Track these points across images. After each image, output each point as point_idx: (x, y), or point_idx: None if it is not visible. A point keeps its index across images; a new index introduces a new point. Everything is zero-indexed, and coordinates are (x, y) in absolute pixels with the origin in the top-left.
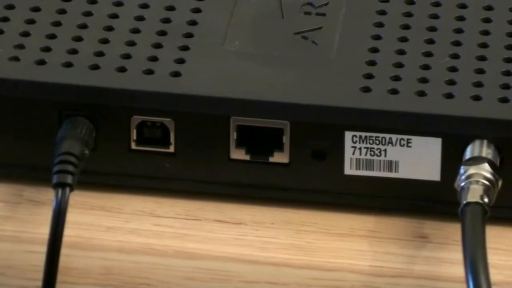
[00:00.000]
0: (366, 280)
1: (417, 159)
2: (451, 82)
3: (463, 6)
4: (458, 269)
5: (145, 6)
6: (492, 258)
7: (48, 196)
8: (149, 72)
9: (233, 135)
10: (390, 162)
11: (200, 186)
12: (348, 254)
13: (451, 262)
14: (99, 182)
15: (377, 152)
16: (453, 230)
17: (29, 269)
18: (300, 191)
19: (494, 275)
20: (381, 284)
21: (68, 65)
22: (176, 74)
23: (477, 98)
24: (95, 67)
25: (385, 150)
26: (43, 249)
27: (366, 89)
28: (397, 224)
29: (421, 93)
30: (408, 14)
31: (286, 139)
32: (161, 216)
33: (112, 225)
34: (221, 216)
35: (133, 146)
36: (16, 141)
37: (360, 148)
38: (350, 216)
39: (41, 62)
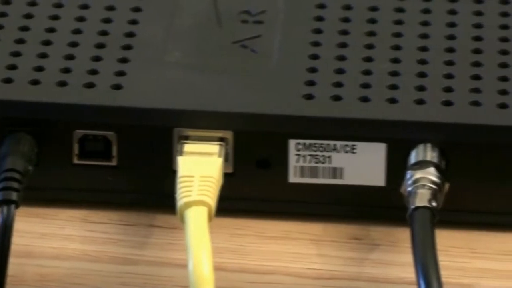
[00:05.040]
0: (301, 282)
1: (362, 165)
2: (394, 87)
3: (400, 10)
4: (402, 272)
5: (81, 19)
6: (443, 260)
7: None
8: (90, 85)
9: (176, 146)
10: (335, 169)
11: (144, 198)
12: (283, 257)
13: (397, 265)
14: (42, 198)
15: (321, 159)
16: (398, 234)
17: None
18: (244, 200)
19: (445, 277)
20: (317, 287)
21: (8, 80)
22: (117, 86)
23: (420, 102)
24: (35, 82)
25: (329, 157)
26: None
27: (309, 96)
28: (336, 228)
29: (364, 99)
30: (346, 20)
31: (229, 149)
32: (95, 222)
33: (47, 232)
34: (155, 221)
35: (75, 160)
36: None
37: (304, 156)
38: (286, 219)
39: None
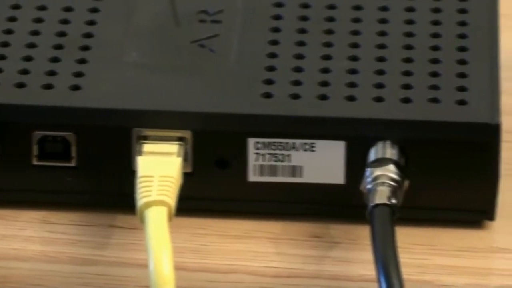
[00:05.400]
0: (261, 281)
1: (321, 163)
2: (352, 85)
3: (358, 8)
4: (362, 270)
5: (39, 20)
6: (403, 257)
7: None
8: (48, 86)
9: (135, 147)
10: (294, 167)
11: (104, 198)
12: (243, 256)
13: (357, 262)
14: (2, 199)
15: (280, 157)
16: (358, 232)
17: None
18: (204, 200)
19: (406, 274)
20: (277, 285)
21: None
22: (76, 87)
23: (379, 99)
24: None
25: (288, 156)
26: None
27: (267, 95)
28: (295, 226)
29: (323, 97)
30: (304, 18)
31: (188, 148)
32: (55, 223)
33: (7, 233)
34: (115, 221)
35: (35, 161)
36: None
37: (263, 155)
38: (246, 218)
39: None
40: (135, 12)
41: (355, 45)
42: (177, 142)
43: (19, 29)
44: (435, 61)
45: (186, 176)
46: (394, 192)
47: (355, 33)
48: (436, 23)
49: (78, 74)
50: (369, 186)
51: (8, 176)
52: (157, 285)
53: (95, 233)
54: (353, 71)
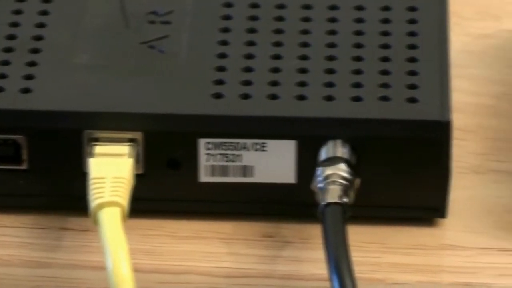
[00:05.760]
0: (213, 281)
1: (273, 162)
2: (302, 84)
3: (307, 7)
4: (314, 269)
5: None
6: (355, 255)
7: None
8: None
9: (86, 149)
10: (246, 167)
11: (56, 201)
12: (195, 256)
13: (309, 261)
14: None
15: (231, 158)
16: (310, 231)
17: None
18: (155, 201)
19: (358, 272)
20: (228, 285)
21: None
22: (26, 90)
23: (329, 98)
24: None
25: (240, 156)
26: None
27: (217, 95)
28: (247, 226)
29: (273, 96)
30: (254, 18)
31: (140, 150)
32: (7, 226)
33: None
34: (67, 224)
35: None
36: None
37: (214, 155)
38: (198, 219)
39: None
40: (85, 14)
41: (305, 44)
42: (128, 144)
43: None
44: (385, 59)
45: (138, 177)
46: (345, 190)
47: (305, 32)
48: (385, 21)
49: (28, 77)
50: (320, 185)
51: None
52: (116, 285)
53: (47, 235)
54: (303, 71)
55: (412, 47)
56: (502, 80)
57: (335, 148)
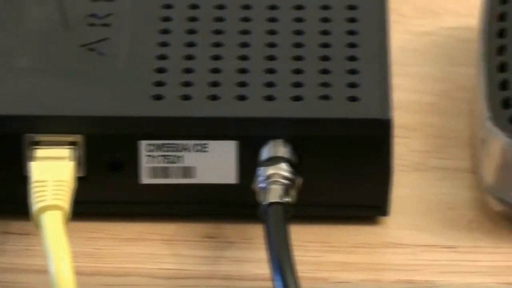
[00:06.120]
0: (156, 283)
1: (214, 163)
2: (243, 84)
3: (247, 7)
4: (257, 269)
5: None
6: (298, 255)
7: None
8: None
9: (27, 152)
10: (187, 168)
11: None
12: (138, 258)
13: (252, 261)
14: None
15: (173, 159)
16: (252, 231)
17: None
18: (97, 203)
19: (301, 272)
20: (171, 286)
21: None
22: None
23: (269, 98)
24: None
25: (181, 157)
26: None
27: (158, 97)
28: (189, 227)
29: (213, 97)
30: (193, 19)
31: (81, 152)
32: None
33: None
34: (9, 228)
35: None
36: None
37: (155, 157)
38: (140, 221)
39: None
40: (24, 17)
41: (244, 45)
42: (69, 147)
43: None
44: (325, 58)
45: (80, 180)
46: (287, 190)
47: (244, 32)
48: (325, 20)
49: None
50: (262, 185)
51: None
52: None
53: None
54: (243, 71)
55: (352, 45)
56: (443, 78)
57: (276, 148)
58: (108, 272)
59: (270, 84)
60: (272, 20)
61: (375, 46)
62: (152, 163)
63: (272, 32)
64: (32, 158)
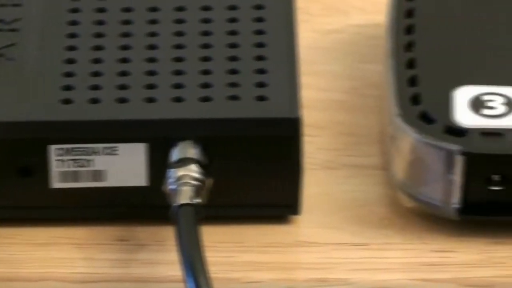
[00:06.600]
0: (69, 287)
1: (124, 166)
2: (151, 86)
3: (154, 9)
4: (170, 271)
5: None
6: (210, 256)
7: None
8: None
9: None
10: (97, 172)
11: None
12: (51, 263)
13: (164, 263)
14: None
15: (83, 163)
16: (164, 233)
17: None
18: (9, 209)
19: (214, 273)
20: None
21: None
22: None
23: (178, 99)
24: None
25: (91, 160)
26: None
27: (66, 101)
28: (101, 230)
29: (122, 100)
30: (101, 22)
31: None
32: None
33: None
34: None
35: None
36: None
37: (65, 161)
38: (52, 225)
39: None
40: None
41: (152, 47)
42: None
43: None
44: (233, 58)
45: None
46: (197, 191)
47: (152, 34)
48: (233, 20)
49: None
50: (172, 186)
51: None
52: None
53: None
54: (151, 73)
55: (260, 45)
56: (351, 75)
57: (186, 149)
58: (22, 277)
59: (178, 86)
60: (180, 21)
61: (283, 45)
62: (62, 167)
63: (179, 34)
64: None
